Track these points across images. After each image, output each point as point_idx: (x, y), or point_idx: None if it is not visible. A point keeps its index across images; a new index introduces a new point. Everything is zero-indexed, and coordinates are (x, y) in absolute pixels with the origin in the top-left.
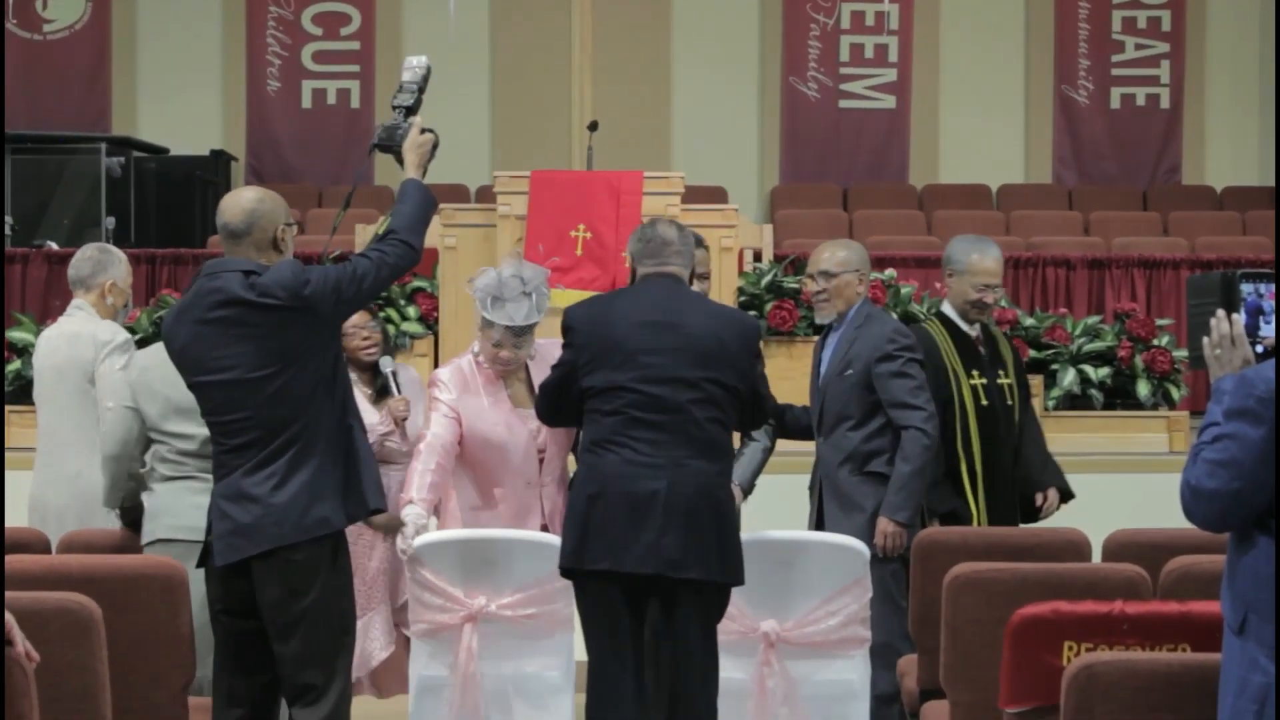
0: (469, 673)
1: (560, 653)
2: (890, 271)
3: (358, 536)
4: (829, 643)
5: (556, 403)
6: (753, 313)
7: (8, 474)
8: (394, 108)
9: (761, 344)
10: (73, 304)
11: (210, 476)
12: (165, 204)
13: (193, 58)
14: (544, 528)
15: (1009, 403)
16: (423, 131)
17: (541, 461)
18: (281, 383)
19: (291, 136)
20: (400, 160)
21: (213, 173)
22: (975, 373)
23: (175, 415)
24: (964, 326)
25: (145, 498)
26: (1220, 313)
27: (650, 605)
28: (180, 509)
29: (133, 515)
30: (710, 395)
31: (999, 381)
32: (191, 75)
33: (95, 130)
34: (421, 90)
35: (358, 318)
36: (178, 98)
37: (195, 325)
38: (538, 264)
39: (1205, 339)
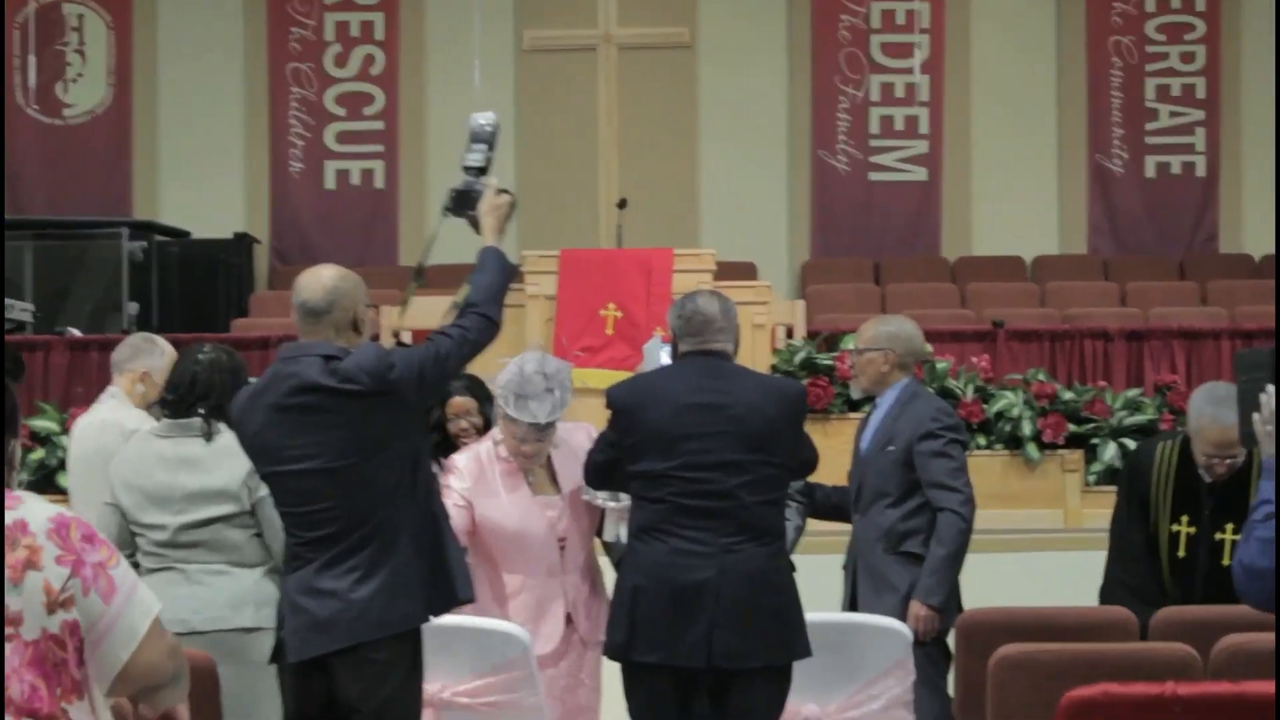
0: None
1: None
2: (927, 347)
3: None
4: None
5: (607, 475)
6: None
7: None
8: (465, 169)
9: None
10: (107, 390)
11: (189, 565)
12: (188, 288)
13: (215, 140)
14: (569, 618)
15: (1224, 563)
16: (499, 192)
17: (563, 549)
18: (364, 473)
19: (315, 217)
20: (474, 224)
21: (236, 255)
22: (1184, 519)
23: (150, 506)
24: (1201, 470)
25: None
26: (1270, 388)
27: (704, 696)
28: (167, 602)
29: None
30: (761, 477)
31: (1218, 537)
32: (214, 157)
33: (117, 214)
34: (492, 147)
35: (468, 403)
36: (200, 180)
37: (271, 412)
38: (561, 357)
39: (1256, 415)
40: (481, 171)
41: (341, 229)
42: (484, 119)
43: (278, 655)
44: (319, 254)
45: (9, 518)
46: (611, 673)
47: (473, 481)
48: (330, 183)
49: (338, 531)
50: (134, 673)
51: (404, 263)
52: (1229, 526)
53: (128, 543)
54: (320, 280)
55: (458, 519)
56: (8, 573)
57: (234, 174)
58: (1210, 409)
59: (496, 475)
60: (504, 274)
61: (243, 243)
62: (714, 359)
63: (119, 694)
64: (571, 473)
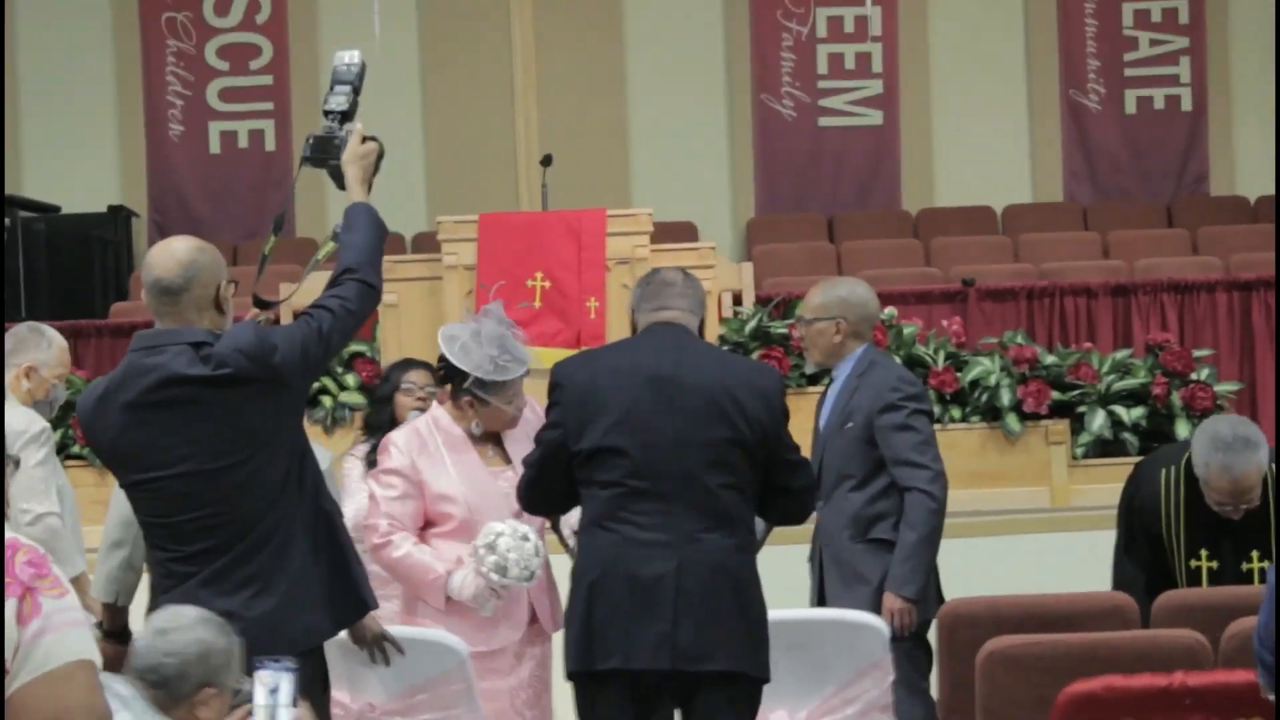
0: None
1: None
2: (889, 310)
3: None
4: None
5: (543, 479)
6: None
7: None
8: (326, 113)
9: None
10: None
11: None
12: (59, 269)
13: (83, 101)
14: (532, 611)
15: None
16: (365, 140)
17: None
18: (248, 471)
19: (199, 186)
20: (337, 177)
21: (111, 231)
22: (1204, 553)
23: None
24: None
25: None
26: None
27: (664, 705)
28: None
29: (122, 619)
30: (722, 457)
31: (1245, 567)
32: (82, 121)
33: None
34: (357, 91)
35: (421, 376)
36: (67, 148)
37: (129, 412)
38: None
39: None
40: (345, 117)
41: (229, 198)
42: (347, 57)
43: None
44: (205, 226)
45: None
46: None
47: (415, 456)
48: (215, 146)
49: (221, 542)
50: (36, 710)
51: (301, 234)
52: (1254, 554)
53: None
54: (174, 254)
55: (405, 513)
56: None
57: (106, 139)
58: (1219, 457)
59: (440, 446)
60: (376, 232)
61: (119, 216)
62: (672, 329)
63: None
64: (520, 444)
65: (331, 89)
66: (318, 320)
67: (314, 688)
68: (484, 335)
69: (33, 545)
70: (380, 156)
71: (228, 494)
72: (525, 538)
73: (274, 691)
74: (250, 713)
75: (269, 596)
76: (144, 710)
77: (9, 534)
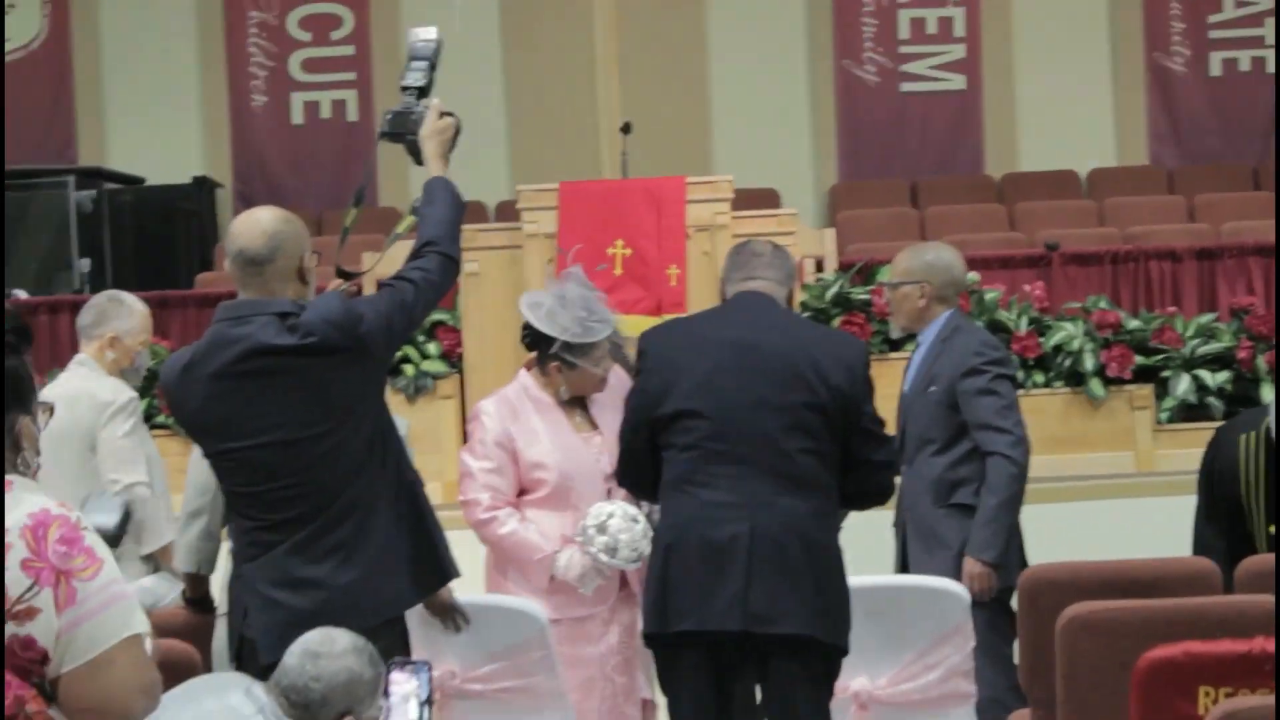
0: None
1: None
2: (972, 275)
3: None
4: (929, 700)
5: (634, 449)
6: None
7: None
8: (403, 89)
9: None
10: (75, 358)
11: None
12: (145, 240)
13: (166, 73)
14: (622, 576)
15: None
16: (442, 115)
17: (609, 492)
18: (334, 441)
19: (282, 157)
20: (414, 152)
21: (196, 202)
22: None
23: None
24: None
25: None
26: None
27: (744, 675)
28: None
29: (204, 587)
30: (801, 422)
31: None
32: (166, 93)
33: (61, 162)
34: (434, 67)
35: None
36: (152, 120)
37: (215, 382)
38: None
39: None
40: (422, 92)
41: (312, 168)
42: (425, 34)
43: (243, 659)
44: (289, 197)
45: None
46: None
47: (508, 422)
48: (298, 117)
49: (307, 511)
50: (82, 695)
51: (384, 204)
52: None
53: (224, 504)
54: (259, 224)
55: (504, 485)
56: None
57: (189, 111)
58: None
59: (531, 413)
60: (456, 206)
61: (203, 188)
62: (758, 298)
63: None
64: (606, 410)
65: (408, 65)
66: (401, 292)
67: (395, 656)
68: (568, 298)
69: (62, 513)
70: (458, 132)
71: (313, 463)
72: (635, 520)
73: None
74: None
75: (354, 565)
76: None
77: (40, 504)
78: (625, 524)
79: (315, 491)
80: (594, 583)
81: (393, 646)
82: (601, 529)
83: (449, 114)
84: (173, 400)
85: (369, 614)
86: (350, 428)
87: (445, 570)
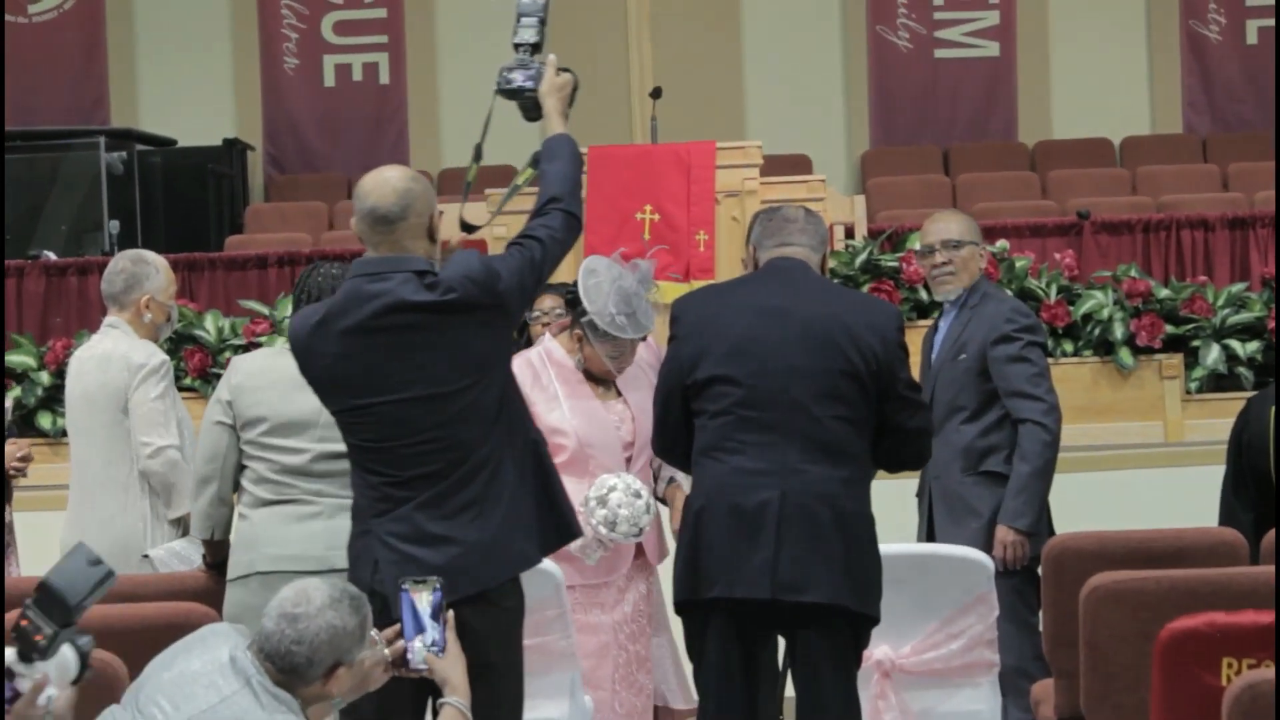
0: None
1: (561, 694)
2: (1002, 243)
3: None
4: (952, 669)
5: (668, 416)
6: None
7: (37, 516)
8: (516, 46)
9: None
10: (106, 321)
11: (321, 499)
12: (175, 202)
13: (198, 34)
14: (638, 544)
15: None
16: (559, 71)
17: (629, 459)
18: (470, 398)
19: (314, 120)
20: (526, 108)
21: (227, 164)
22: None
23: (289, 430)
24: None
25: (237, 526)
26: None
27: (769, 641)
28: (287, 537)
29: (222, 551)
30: (833, 389)
31: None
32: (198, 55)
33: (91, 123)
34: (544, 22)
35: (552, 300)
36: (183, 81)
37: (350, 337)
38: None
39: None
40: (535, 49)
41: (344, 131)
42: None
43: (383, 615)
44: (319, 160)
45: None
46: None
47: (529, 388)
48: (330, 80)
49: (441, 467)
50: None
51: (416, 166)
52: None
53: (233, 469)
54: (390, 183)
55: None
56: None
57: (221, 73)
58: None
59: (553, 379)
60: (576, 163)
61: (234, 150)
62: (792, 264)
63: None
64: (632, 383)
65: (518, 21)
66: (530, 249)
67: (516, 616)
68: (619, 286)
69: None
70: (575, 88)
71: (449, 420)
72: (638, 494)
73: (417, 614)
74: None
75: (486, 521)
76: (263, 690)
77: None
78: (627, 498)
79: (450, 448)
80: (596, 554)
81: (517, 605)
82: (602, 501)
83: (566, 69)
84: (301, 354)
85: (498, 570)
86: (484, 385)
87: (568, 528)
